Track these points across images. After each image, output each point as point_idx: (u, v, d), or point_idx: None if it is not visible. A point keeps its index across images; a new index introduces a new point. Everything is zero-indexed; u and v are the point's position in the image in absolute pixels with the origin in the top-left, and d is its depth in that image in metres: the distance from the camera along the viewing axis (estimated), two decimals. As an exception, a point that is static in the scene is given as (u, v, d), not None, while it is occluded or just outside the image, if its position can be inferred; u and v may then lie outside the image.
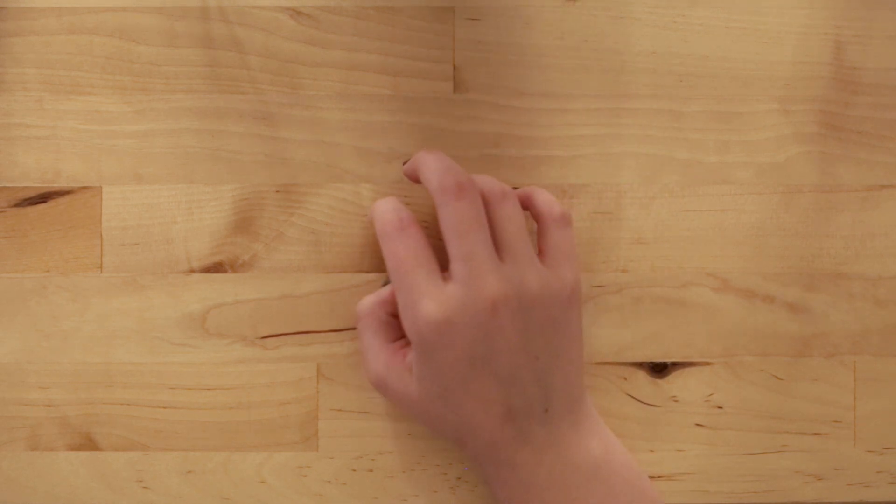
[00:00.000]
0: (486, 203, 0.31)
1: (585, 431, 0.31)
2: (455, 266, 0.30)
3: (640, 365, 0.34)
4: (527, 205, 0.32)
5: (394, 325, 0.32)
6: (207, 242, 0.34)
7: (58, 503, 0.34)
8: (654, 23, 0.34)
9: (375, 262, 0.34)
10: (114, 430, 0.34)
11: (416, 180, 0.32)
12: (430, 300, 0.29)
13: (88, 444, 0.34)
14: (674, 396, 0.34)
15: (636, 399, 0.34)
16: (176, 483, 0.34)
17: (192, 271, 0.34)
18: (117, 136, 0.34)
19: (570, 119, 0.34)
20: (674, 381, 0.34)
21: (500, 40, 0.34)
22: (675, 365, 0.34)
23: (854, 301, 0.34)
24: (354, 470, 0.34)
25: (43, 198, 0.34)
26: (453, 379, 0.30)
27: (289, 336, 0.34)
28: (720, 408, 0.34)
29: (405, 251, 0.30)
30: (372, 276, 0.34)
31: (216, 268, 0.34)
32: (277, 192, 0.34)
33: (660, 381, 0.34)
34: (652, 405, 0.34)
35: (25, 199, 0.34)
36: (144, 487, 0.34)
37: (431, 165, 0.31)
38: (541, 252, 0.32)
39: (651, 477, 0.34)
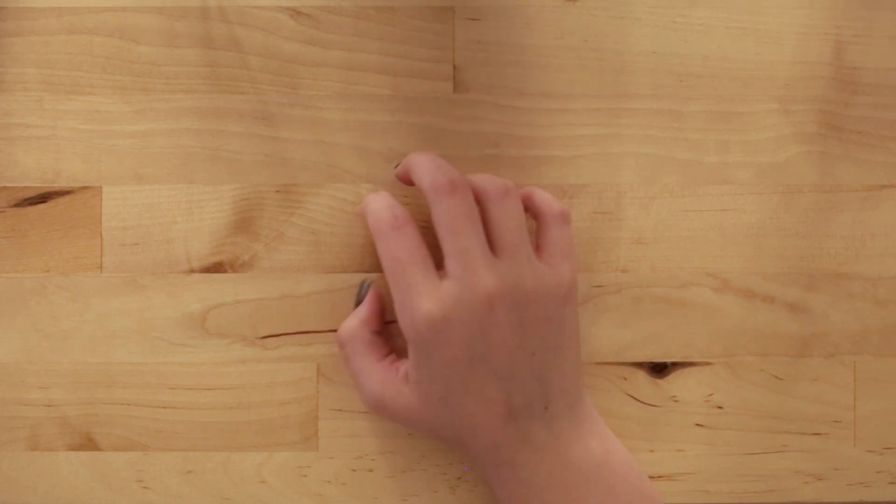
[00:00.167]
0: (487, 200, 0.31)
1: (585, 431, 0.31)
2: (449, 262, 0.30)
3: (640, 365, 0.34)
4: (526, 204, 0.32)
5: (379, 343, 0.32)
6: (207, 242, 0.34)
7: (58, 503, 0.34)
8: (654, 23, 0.34)
9: (375, 261, 0.34)
10: (114, 430, 0.34)
11: (408, 182, 0.32)
12: (426, 298, 0.29)
13: (88, 444, 0.34)
14: (674, 396, 0.34)
15: (636, 399, 0.34)
16: (176, 483, 0.34)
17: (192, 271, 0.34)
18: (117, 136, 0.34)
19: (570, 119, 0.34)
20: (674, 381, 0.34)
21: (500, 40, 0.34)
22: (675, 365, 0.34)
23: (854, 301, 0.34)
24: (354, 470, 0.34)
25: (43, 198, 0.34)
26: (452, 378, 0.30)
27: (289, 336, 0.34)
28: (720, 408, 0.34)
29: (400, 250, 0.30)
30: (372, 276, 0.34)
31: (216, 268, 0.34)
32: (277, 192, 0.34)
33: (660, 381, 0.34)
34: (652, 405, 0.34)
35: (25, 199, 0.34)
36: (144, 487, 0.34)
37: (423, 165, 0.31)
38: (539, 249, 0.32)
39: (651, 477, 0.34)
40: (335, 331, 0.34)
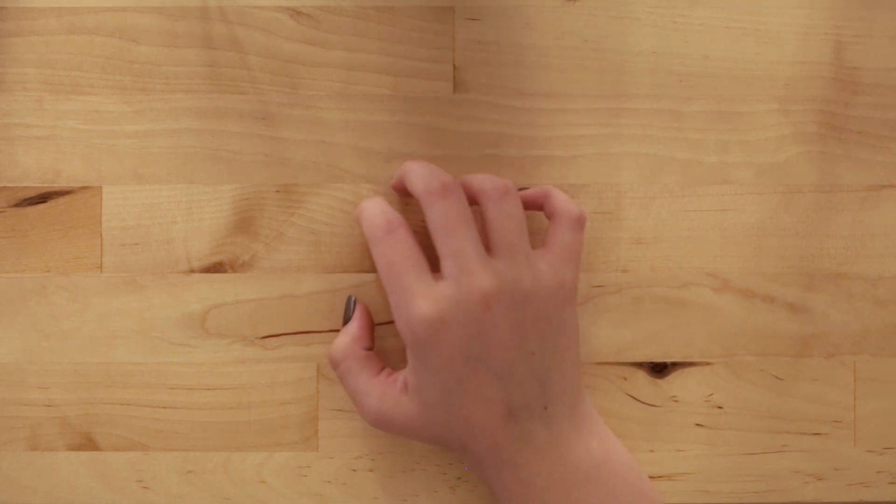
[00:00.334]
0: (486, 199, 0.31)
1: (585, 431, 0.31)
2: (445, 264, 0.30)
3: (640, 365, 0.34)
4: (541, 202, 0.32)
5: (373, 358, 0.32)
6: (207, 242, 0.34)
7: (58, 503, 0.34)
8: (654, 23, 0.34)
9: (375, 262, 0.34)
10: (114, 430, 0.34)
11: (404, 193, 0.32)
12: (422, 299, 0.29)
13: (88, 444, 0.34)
14: (674, 396, 0.34)
15: (636, 399, 0.34)
16: (176, 483, 0.34)
17: (192, 271, 0.34)
18: (117, 136, 0.34)
19: (570, 119, 0.34)
20: (674, 381, 0.34)
21: (500, 40, 0.34)
22: (675, 365, 0.34)
23: (854, 301, 0.34)
24: (354, 470, 0.34)
25: (43, 198, 0.34)
26: (451, 379, 0.30)
27: (289, 336, 0.34)
28: (720, 408, 0.34)
29: (395, 253, 0.30)
30: (372, 276, 0.34)
31: (216, 268, 0.34)
32: (277, 192, 0.34)
33: (660, 381, 0.34)
34: (652, 405, 0.34)
35: (25, 199, 0.34)
36: (144, 487, 0.34)
37: (416, 171, 0.31)
38: (545, 248, 0.31)
39: (651, 477, 0.34)
40: (335, 331, 0.34)
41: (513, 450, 0.30)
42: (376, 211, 0.31)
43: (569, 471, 0.30)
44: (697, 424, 0.34)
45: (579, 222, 0.32)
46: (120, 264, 0.34)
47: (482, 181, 0.31)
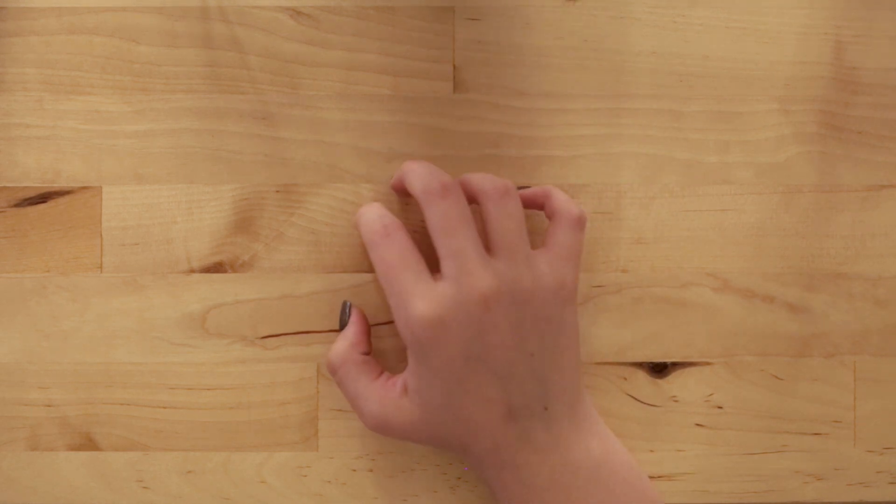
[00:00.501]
0: (487, 199, 0.31)
1: (585, 431, 0.31)
2: (445, 264, 0.30)
3: (640, 365, 0.34)
4: (541, 202, 0.32)
5: (371, 363, 0.32)
6: (207, 242, 0.34)
7: (58, 503, 0.34)
8: (654, 23, 0.34)
9: (375, 262, 0.34)
10: (114, 430, 0.34)
11: (403, 193, 0.32)
12: (420, 300, 0.29)
13: (88, 444, 0.34)
14: (674, 396, 0.34)
15: (636, 399, 0.34)
16: (176, 483, 0.34)
17: (192, 271, 0.34)
18: (117, 136, 0.34)
19: (570, 119, 0.34)
20: (674, 381, 0.34)
21: (500, 40, 0.34)
22: (675, 365, 0.34)
23: (854, 301, 0.34)
24: (354, 470, 0.34)
25: (43, 198, 0.34)
26: (451, 380, 0.30)
27: (289, 336, 0.34)
28: (720, 408, 0.34)
29: (392, 255, 0.30)
30: (372, 276, 0.34)
31: (216, 268, 0.34)
32: (277, 192, 0.34)
33: (660, 381, 0.34)
34: (652, 405, 0.34)
35: (25, 199, 0.34)
36: (144, 487, 0.34)
37: (415, 171, 0.31)
38: (545, 248, 0.31)
39: (651, 477, 0.34)
40: (335, 331, 0.34)
41: (513, 450, 0.30)
42: (374, 216, 0.31)
43: (569, 471, 0.30)
44: (697, 424, 0.34)
45: (579, 222, 0.32)
46: (120, 264, 0.34)
47: (482, 181, 0.31)
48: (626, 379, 0.34)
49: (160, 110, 0.34)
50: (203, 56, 0.34)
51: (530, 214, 0.34)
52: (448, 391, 0.30)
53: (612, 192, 0.34)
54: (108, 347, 0.34)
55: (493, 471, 0.31)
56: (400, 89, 0.34)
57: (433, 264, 0.31)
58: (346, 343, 0.32)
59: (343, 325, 0.33)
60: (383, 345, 0.34)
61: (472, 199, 0.31)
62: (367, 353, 0.32)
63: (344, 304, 0.33)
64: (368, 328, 0.33)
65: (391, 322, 0.34)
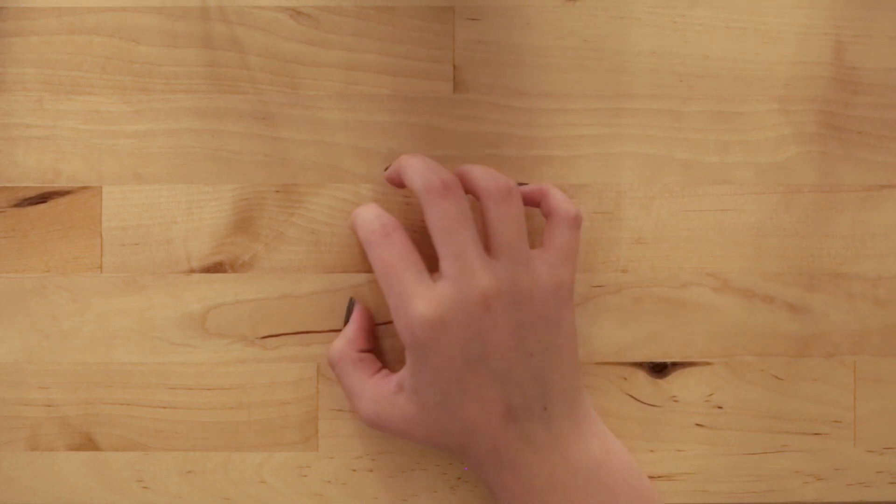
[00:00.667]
0: (489, 199, 0.30)
1: (585, 431, 0.31)
2: (445, 264, 0.30)
3: (640, 365, 0.34)
4: (538, 200, 0.32)
5: (367, 360, 0.32)
6: (207, 242, 0.34)
7: (58, 503, 0.34)
8: (654, 23, 0.34)
9: (375, 262, 0.34)
10: (114, 430, 0.34)
11: (399, 185, 0.32)
12: (421, 300, 0.29)
13: (88, 444, 0.34)
14: (674, 396, 0.34)
15: (636, 399, 0.34)
16: (176, 483, 0.34)
17: (192, 271, 0.34)
18: (117, 136, 0.34)
19: (570, 119, 0.34)
20: (674, 381, 0.34)
21: (500, 40, 0.34)
22: (675, 365, 0.34)
23: (854, 301, 0.34)
24: (354, 470, 0.34)
25: (43, 198, 0.34)
26: (450, 381, 0.30)
27: (289, 336, 0.34)
28: (720, 408, 0.34)
29: (391, 256, 0.30)
30: (371, 276, 0.34)
31: (216, 268, 0.34)
32: (277, 192, 0.34)
33: (660, 381, 0.34)
34: (652, 405, 0.34)
35: (25, 199, 0.34)
36: (144, 487, 0.34)
37: (415, 167, 0.30)
38: (544, 248, 0.31)
39: (651, 477, 0.34)
40: (335, 331, 0.34)
41: (513, 451, 0.30)
42: (371, 215, 0.31)
43: (569, 471, 0.30)
44: (697, 424, 0.34)
45: (576, 222, 0.32)
46: (120, 264, 0.34)
47: (484, 179, 0.31)
48: (626, 379, 0.34)
49: (160, 110, 0.34)
50: (203, 56, 0.34)
51: (529, 213, 0.34)
52: (447, 392, 0.30)
53: (612, 192, 0.34)
54: (108, 347, 0.34)
55: (492, 471, 0.31)
56: (400, 89, 0.34)
57: (430, 262, 0.31)
58: (343, 340, 0.32)
59: (347, 321, 0.33)
60: (383, 344, 0.34)
61: (471, 192, 0.31)
62: (367, 351, 0.32)
63: (350, 301, 0.33)
64: (370, 325, 0.33)
65: (390, 322, 0.34)
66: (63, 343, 0.34)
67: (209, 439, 0.34)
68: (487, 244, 0.31)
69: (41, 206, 0.34)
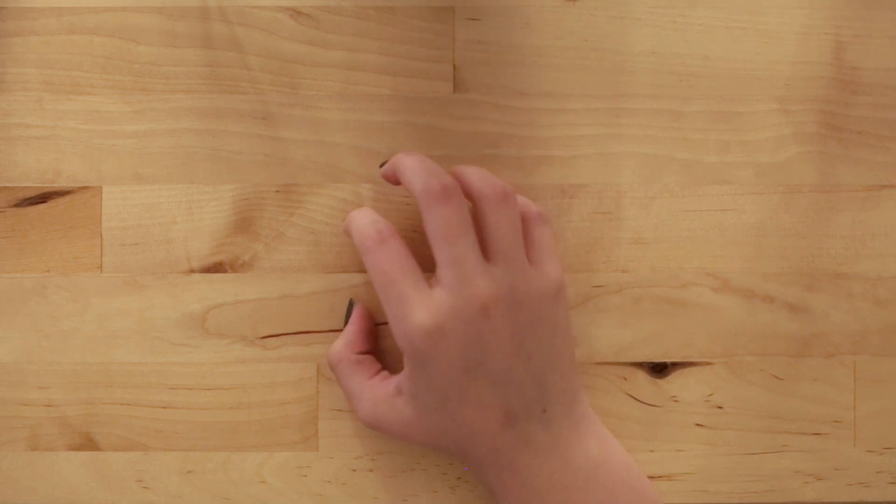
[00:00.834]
0: (485, 203, 0.30)
1: (584, 431, 0.31)
2: (443, 272, 0.29)
3: (640, 365, 0.34)
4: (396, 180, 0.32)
5: (367, 362, 0.32)
6: (207, 242, 0.34)
7: (58, 503, 0.34)
8: (654, 23, 0.34)
9: (375, 262, 0.34)
10: (114, 430, 0.34)
11: (395, 182, 0.32)
12: (420, 309, 0.29)
13: (88, 444, 0.34)
14: (674, 396, 0.34)
15: (636, 399, 0.34)
16: (176, 483, 0.34)
17: (192, 271, 0.34)
18: (117, 136, 0.34)
19: (570, 119, 0.34)
20: (674, 381, 0.34)
21: (500, 40, 0.34)
22: (675, 365, 0.34)
23: (854, 301, 0.34)
24: (354, 470, 0.34)
25: (43, 198, 0.34)
26: (449, 387, 0.29)
27: (289, 336, 0.34)
28: (720, 408, 0.34)
29: (388, 263, 0.30)
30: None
31: (216, 268, 0.34)
32: (277, 192, 0.34)
33: (660, 381, 0.34)
34: (652, 405, 0.34)
35: (25, 199, 0.34)
36: (144, 487, 0.34)
37: (413, 168, 0.30)
38: (527, 248, 0.32)
39: (651, 477, 0.34)
40: (335, 331, 0.34)
41: (512, 453, 0.30)
42: (366, 221, 0.31)
43: (569, 472, 0.30)
44: (697, 424, 0.34)
45: (541, 218, 0.32)
46: (120, 264, 0.34)
47: (481, 183, 0.30)
48: (625, 379, 0.34)
49: (160, 110, 0.34)
50: (203, 56, 0.34)
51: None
52: (446, 398, 0.30)
53: (612, 192, 0.34)
54: (108, 347, 0.34)
55: (492, 472, 0.31)
56: (400, 89, 0.34)
57: (428, 263, 0.31)
58: (342, 342, 0.32)
59: (346, 323, 0.33)
60: (383, 345, 0.34)
61: (465, 194, 0.31)
62: (366, 352, 0.32)
63: (349, 301, 0.33)
64: (370, 327, 0.33)
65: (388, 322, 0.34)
66: (63, 343, 0.34)
67: (209, 439, 0.34)
68: (484, 247, 0.30)
69: (41, 206, 0.34)
